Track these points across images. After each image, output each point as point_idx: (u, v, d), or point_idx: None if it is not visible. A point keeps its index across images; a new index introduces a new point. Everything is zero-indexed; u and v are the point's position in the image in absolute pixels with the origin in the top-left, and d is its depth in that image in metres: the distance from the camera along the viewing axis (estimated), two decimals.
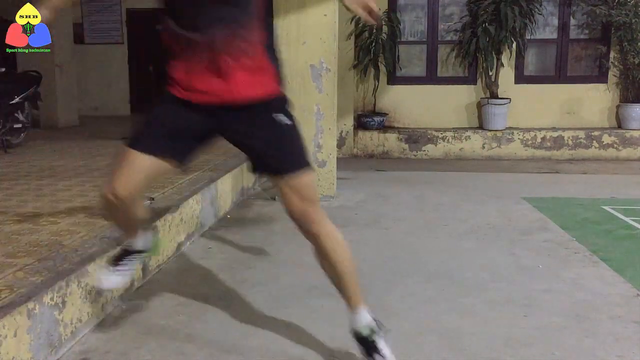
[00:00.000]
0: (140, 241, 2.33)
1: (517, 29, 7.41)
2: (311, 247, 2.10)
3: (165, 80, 1.96)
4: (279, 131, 1.94)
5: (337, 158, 5.10)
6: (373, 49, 7.62)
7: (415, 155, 7.77)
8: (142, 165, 1.94)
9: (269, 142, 1.94)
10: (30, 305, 2.07)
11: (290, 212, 2.03)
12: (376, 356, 2.07)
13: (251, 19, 1.85)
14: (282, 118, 1.94)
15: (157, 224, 3.25)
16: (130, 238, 2.31)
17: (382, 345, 2.08)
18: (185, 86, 1.90)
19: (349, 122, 7.73)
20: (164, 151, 1.96)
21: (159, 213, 3.36)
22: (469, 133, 7.78)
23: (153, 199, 3.66)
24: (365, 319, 2.10)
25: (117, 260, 2.33)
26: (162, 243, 2.46)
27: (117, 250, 2.35)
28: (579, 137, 7.72)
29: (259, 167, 2.04)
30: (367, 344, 2.09)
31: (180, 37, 1.86)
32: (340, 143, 7.54)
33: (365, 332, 2.09)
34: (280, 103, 1.96)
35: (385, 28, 7.70)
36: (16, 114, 6.18)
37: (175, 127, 1.95)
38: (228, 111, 1.90)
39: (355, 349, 2.16)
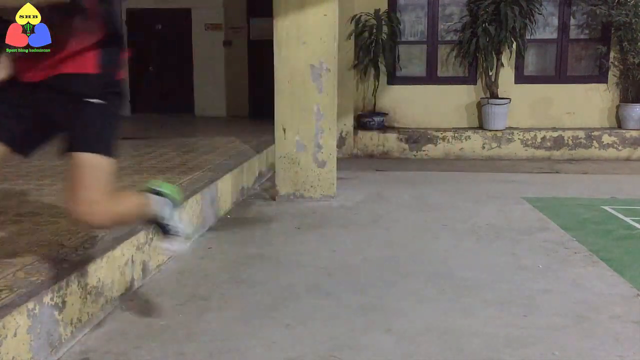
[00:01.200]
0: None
1: (517, 29, 7.41)
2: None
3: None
4: (84, 107, 1.88)
5: (337, 158, 5.10)
6: (373, 49, 7.62)
7: (415, 155, 7.77)
8: None
9: (71, 117, 1.88)
10: (30, 305, 2.07)
11: (67, 195, 1.94)
12: (168, 229, 2.29)
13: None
14: (92, 98, 1.89)
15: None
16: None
17: (169, 220, 2.28)
18: (17, 65, 1.89)
19: (349, 122, 7.73)
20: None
21: None
22: (469, 133, 7.78)
23: None
24: (152, 213, 2.24)
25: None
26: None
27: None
28: (579, 137, 7.72)
29: (63, 145, 1.95)
30: (160, 228, 2.30)
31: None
32: (340, 143, 7.53)
33: (158, 220, 2.28)
34: (94, 82, 1.89)
35: (385, 28, 7.70)
36: None
37: (6, 112, 1.91)
38: (45, 88, 1.87)
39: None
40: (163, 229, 2.32)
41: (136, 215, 2.21)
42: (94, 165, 1.88)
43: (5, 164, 1.99)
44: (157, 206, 2.28)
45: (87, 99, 1.88)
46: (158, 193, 2.31)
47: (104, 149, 1.91)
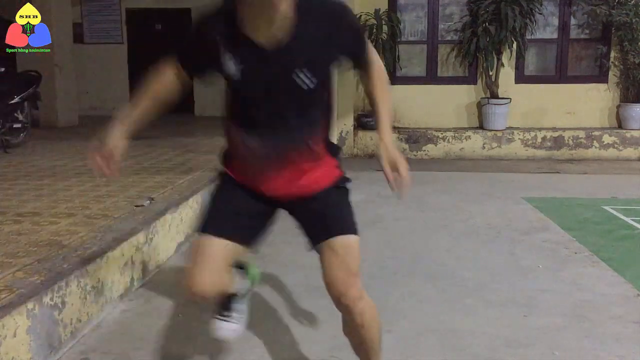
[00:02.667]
0: (237, 286, 2.17)
1: (518, 29, 7.40)
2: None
3: (224, 164, 1.89)
4: (335, 194, 1.86)
5: None
6: None
7: (415, 155, 7.77)
8: (219, 253, 1.81)
9: (324, 206, 1.85)
10: (30, 305, 2.07)
11: (329, 284, 1.83)
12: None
13: (319, 124, 1.80)
14: (341, 186, 1.89)
15: (157, 225, 3.24)
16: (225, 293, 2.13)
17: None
18: (250, 184, 1.83)
19: (349, 122, 7.73)
20: (238, 235, 1.85)
21: (158, 213, 3.36)
22: (469, 133, 7.78)
23: (153, 199, 3.66)
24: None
25: (224, 309, 2.13)
26: (254, 270, 2.34)
27: (220, 300, 2.15)
28: (579, 137, 7.71)
29: (311, 235, 1.90)
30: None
31: (247, 145, 1.76)
32: (340, 143, 7.53)
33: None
34: (340, 182, 1.90)
35: (385, 28, 7.69)
36: (16, 114, 6.18)
37: (242, 208, 1.86)
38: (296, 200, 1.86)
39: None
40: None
41: (375, 348, 1.99)
42: (356, 247, 1.82)
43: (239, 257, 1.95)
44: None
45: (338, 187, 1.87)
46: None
47: (357, 231, 1.86)
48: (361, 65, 1.82)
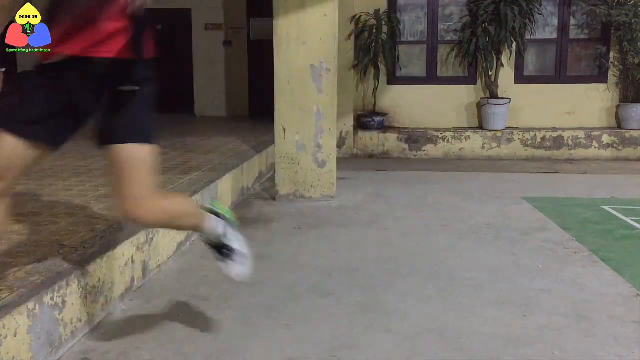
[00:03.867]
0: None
1: (517, 29, 7.41)
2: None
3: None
4: (119, 96, 1.80)
5: (337, 158, 5.10)
6: (373, 49, 7.62)
7: (415, 155, 7.77)
8: (9, 149, 1.75)
9: (108, 106, 1.80)
10: (30, 305, 2.07)
11: (116, 203, 1.84)
12: (224, 252, 2.17)
13: None
14: (129, 83, 1.80)
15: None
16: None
17: (228, 240, 2.15)
18: (49, 46, 1.78)
19: (349, 122, 7.73)
20: (30, 132, 1.77)
21: None
22: (469, 133, 7.78)
23: None
24: (210, 230, 2.13)
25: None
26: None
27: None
28: (579, 137, 7.72)
29: (98, 137, 1.87)
30: (216, 248, 2.18)
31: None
32: (340, 143, 7.53)
33: (212, 238, 2.16)
34: (129, 68, 1.80)
35: (385, 28, 7.70)
36: None
37: (38, 106, 1.79)
38: (78, 70, 1.77)
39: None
40: (219, 251, 2.20)
41: (189, 221, 2.08)
42: (137, 157, 1.79)
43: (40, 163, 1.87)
44: (214, 223, 2.16)
45: (122, 87, 1.80)
46: (213, 212, 2.20)
47: (146, 138, 1.82)
48: None
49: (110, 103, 1.82)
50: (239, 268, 2.21)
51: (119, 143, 1.80)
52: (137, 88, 1.81)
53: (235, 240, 2.22)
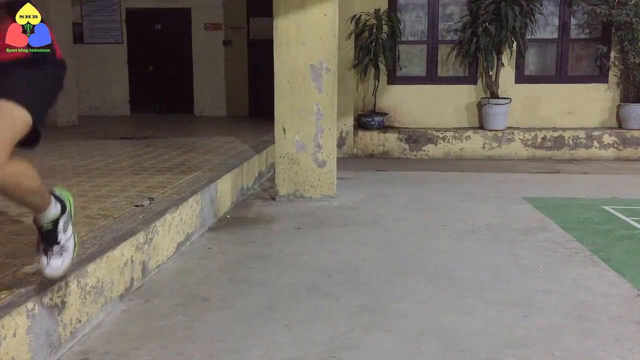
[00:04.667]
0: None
1: (518, 29, 7.40)
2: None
3: None
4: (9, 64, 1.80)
5: (337, 158, 5.10)
6: (373, 49, 7.61)
7: (415, 155, 7.77)
8: None
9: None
10: (30, 305, 2.07)
11: None
12: (49, 239, 2.09)
13: None
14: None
15: (157, 225, 3.25)
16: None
17: (60, 230, 2.10)
18: None
19: (349, 122, 7.73)
20: None
21: (158, 213, 3.36)
22: (469, 133, 7.78)
23: (153, 199, 3.66)
24: (49, 214, 2.08)
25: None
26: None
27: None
28: (580, 137, 7.71)
29: None
30: (47, 235, 2.09)
31: None
32: (340, 143, 7.53)
33: (45, 224, 2.09)
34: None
35: (385, 28, 7.69)
36: None
37: None
38: None
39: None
40: (49, 237, 2.10)
41: (34, 198, 1.99)
42: (6, 112, 1.75)
43: None
44: (54, 209, 2.10)
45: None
46: (56, 197, 2.14)
47: (25, 102, 1.78)
48: None
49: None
50: (57, 262, 2.11)
51: None
52: (31, 59, 1.83)
53: (65, 232, 2.16)
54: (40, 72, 1.87)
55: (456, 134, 7.76)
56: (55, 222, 2.12)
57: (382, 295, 2.90)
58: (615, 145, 7.67)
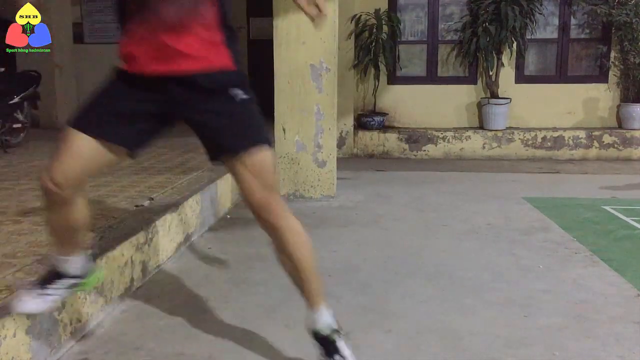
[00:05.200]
0: (75, 264, 2.02)
1: (518, 29, 7.40)
2: (268, 239, 1.94)
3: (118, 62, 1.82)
4: (234, 105, 1.80)
5: (337, 158, 5.10)
6: (373, 49, 7.61)
7: (415, 155, 7.76)
8: (84, 150, 1.74)
9: (223, 116, 1.79)
10: None
11: (249, 201, 1.82)
12: (337, 357, 2.00)
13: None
14: (237, 92, 1.80)
15: (157, 225, 3.25)
16: (65, 254, 2.00)
17: (342, 345, 2.02)
18: (136, 56, 1.75)
19: (349, 122, 7.73)
20: (112, 135, 1.77)
21: (158, 213, 3.36)
22: (469, 133, 7.77)
23: (153, 199, 3.66)
24: (326, 318, 2.02)
25: (44, 282, 1.99)
26: (100, 275, 2.21)
27: (45, 270, 2.05)
28: (580, 137, 7.71)
29: (214, 149, 1.86)
30: (328, 344, 2.00)
31: (133, 10, 1.73)
32: (340, 143, 7.53)
33: (326, 332, 2.01)
34: (235, 78, 1.82)
35: (385, 28, 7.69)
36: (16, 114, 6.18)
37: (124, 109, 1.79)
38: (179, 84, 1.75)
39: (357, 347, 2.15)
40: (329, 348, 2.01)
41: (310, 273, 1.98)
42: (269, 160, 1.81)
43: (116, 165, 1.86)
44: (327, 312, 2.03)
45: (235, 96, 1.80)
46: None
47: (269, 140, 1.84)
48: None
49: (219, 114, 1.80)
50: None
51: (248, 149, 1.79)
52: (246, 96, 1.83)
53: (346, 347, 2.04)
54: (250, 102, 1.87)
55: (456, 134, 7.76)
56: (331, 326, 2.01)
57: (382, 295, 2.90)
58: (615, 145, 7.67)
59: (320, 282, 2.01)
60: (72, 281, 2.04)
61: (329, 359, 2.01)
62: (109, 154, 1.81)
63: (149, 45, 1.71)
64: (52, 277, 2.01)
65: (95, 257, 2.11)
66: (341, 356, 2.00)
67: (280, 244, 1.92)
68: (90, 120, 1.79)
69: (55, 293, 1.99)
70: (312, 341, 2.06)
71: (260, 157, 1.81)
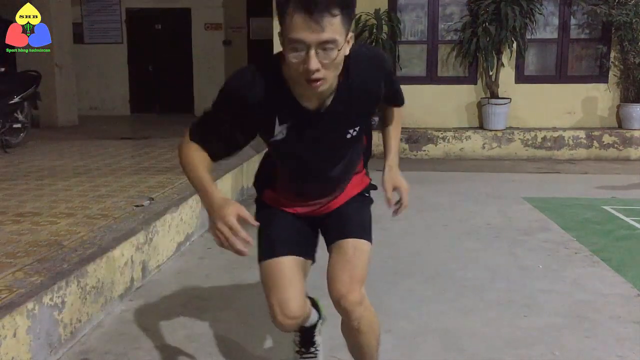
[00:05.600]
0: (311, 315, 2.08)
1: (518, 29, 7.40)
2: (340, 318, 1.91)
3: (263, 191, 1.91)
4: (358, 199, 1.94)
5: None
6: None
7: (415, 155, 7.76)
8: (295, 271, 1.83)
9: (346, 208, 1.91)
10: (30, 305, 2.07)
11: (331, 283, 1.81)
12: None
13: (360, 156, 1.90)
14: (365, 194, 1.99)
15: (157, 225, 3.24)
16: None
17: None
18: (291, 206, 1.87)
19: None
20: (304, 251, 1.89)
21: (158, 213, 3.35)
22: (469, 133, 7.77)
23: (153, 199, 3.66)
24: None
25: (303, 346, 2.10)
26: (320, 303, 2.21)
27: (296, 337, 2.12)
28: (580, 137, 7.71)
29: (328, 234, 1.93)
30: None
31: (292, 185, 1.84)
32: None
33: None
34: (367, 189, 2.01)
35: (385, 28, 7.69)
36: (16, 114, 6.18)
37: (296, 228, 1.89)
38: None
39: None
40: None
41: (375, 347, 1.99)
42: (364, 250, 1.83)
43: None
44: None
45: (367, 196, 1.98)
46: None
47: (369, 237, 1.90)
48: (391, 105, 2.01)
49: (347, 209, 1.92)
50: None
51: (357, 238, 1.86)
52: (371, 198, 2.01)
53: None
54: (368, 204, 2.02)
55: (456, 134, 7.76)
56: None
57: (383, 295, 2.90)
58: (615, 145, 7.67)
59: (378, 347, 2.00)
60: (317, 325, 2.11)
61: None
62: (305, 267, 1.91)
63: (304, 205, 1.87)
64: (304, 337, 2.10)
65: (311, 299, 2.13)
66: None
67: (351, 328, 1.89)
68: (283, 245, 1.85)
69: (316, 345, 2.10)
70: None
71: (363, 247, 1.84)
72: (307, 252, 1.90)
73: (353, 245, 1.81)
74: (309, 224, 1.92)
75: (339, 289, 1.77)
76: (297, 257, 1.83)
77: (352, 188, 1.91)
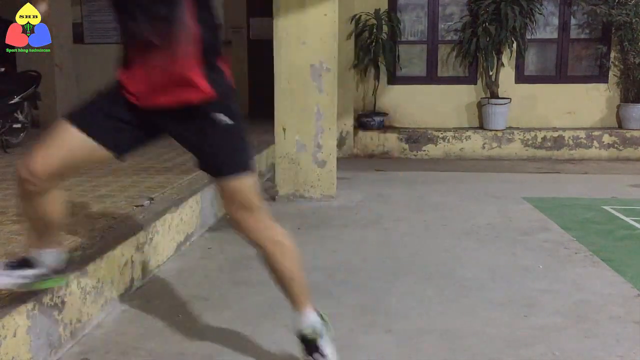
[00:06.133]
0: (45, 258, 2.04)
1: (518, 29, 7.40)
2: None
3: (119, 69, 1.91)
4: (217, 130, 1.86)
5: (337, 158, 5.09)
6: (373, 49, 7.61)
7: (415, 155, 7.76)
8: (71, 142, 1.83)
9: (206, 142, 1.88)
10: (30, 305, 2.07)
11: (228, 219, 2.01)
12: (316, 355, 2.06)
13: (179, 16, 1.74)
14: (221, 117, 1.85)
15: (157, 225, 3.25)
16: (36, 246, 2.04)
17: (324, 344, 2.07)
18: (123, 84, 1.87)
19: (349, 122, 7.72)
20: (102, 135, 1.85)
21: (158, 213, 3.36)
22: (469, 133, 7.77)
23: (153, 198, 3.66)
24: (308, 320, 2.08)
25: (13, 266, 2.04)
26: (61, 281, 2.18)
27: (20, 255, 2.11)
28: (580, 137, 7.71)
29: (201, 165, 1.97)
30: (308, 344, 2.08)
31: (123, 31, 1.88)
32: (340, 143, 7.52)
33: (307, 332, 2.08)
34: (218, 104, 1.85)
35: (385, 28, 7.69)
36: (16, 114, 6.18)
37: (118, 114, 1.87)
38: (161, 111, 1.86)
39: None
40: (310, 350, 2.08)
41: (292, 279, 2.05)
42: (247, 186, 1.92)
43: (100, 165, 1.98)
44: (314, 317, 2.10)
45: (218, 121, 1.86)
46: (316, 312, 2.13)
47: (249, 166, 1.94)
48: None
49: (211, 138, 1.88)
50: None
51: (225, 176, 1.91)
52: (231, 122, 1.87)
53: (328, 347, 2.09)
54: (233, 127, 1.91)
55: (456, 134, 7.76)
56: (317, 333, 2.09)
57: (383, 295, 2.90)
58: (615, 145, 7.67)
59: (303, 286, 2.08)
60: (38, 273, 2.04)
61: (309, 357, 2.08)
62: (92, 153, 1.88)
63: (131, 77, 1.84)
64: (22, 263, 2.04)
65: (69, 263, 2.14)
66: (322, 355, 2.06)
67: (263, 256, 2.05)
68: (84, 116, 1.88)
69: (19, 279, 2.01)
70: (296, 340, 2.11)
71: (236, 185, 1.92)
72: (108, 141, 1.87)
73: (233, 185, 1.92)
74: (142, 122, 1.89)
75: (234, 219, 2.02)
76: (90, 138, 1.84)
77: (189, 89, 1.79)
